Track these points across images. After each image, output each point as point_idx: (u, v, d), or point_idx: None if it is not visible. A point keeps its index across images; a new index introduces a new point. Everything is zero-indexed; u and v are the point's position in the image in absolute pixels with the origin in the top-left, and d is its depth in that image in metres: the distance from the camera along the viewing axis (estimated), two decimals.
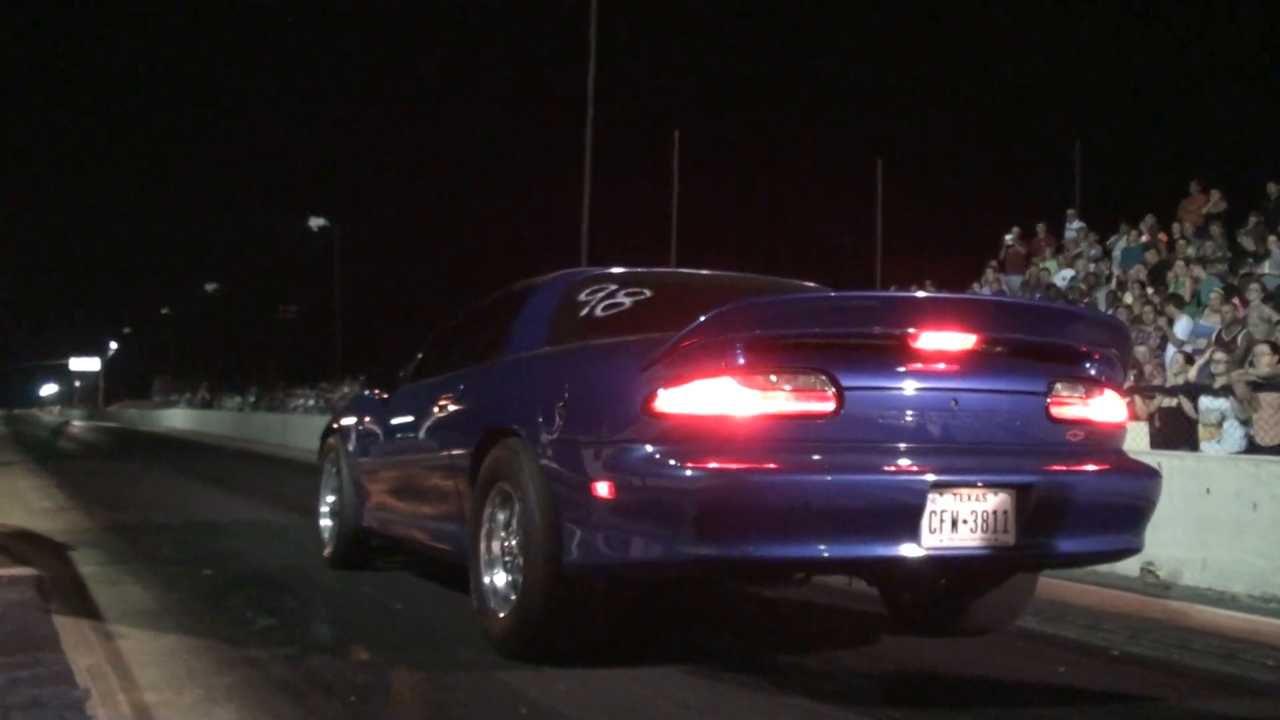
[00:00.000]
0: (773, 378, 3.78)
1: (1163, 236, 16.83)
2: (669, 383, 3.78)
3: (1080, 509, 4.10)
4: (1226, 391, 9.83)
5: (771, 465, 3.71)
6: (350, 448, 6.70)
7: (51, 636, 4.59)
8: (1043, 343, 4.24)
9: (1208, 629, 5.62)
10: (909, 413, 3.93)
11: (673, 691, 3.99)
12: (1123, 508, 4.24)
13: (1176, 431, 10.09)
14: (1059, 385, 4.19)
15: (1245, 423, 9.65)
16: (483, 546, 4.60)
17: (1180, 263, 14.67)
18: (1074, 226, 18.99)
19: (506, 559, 4.49)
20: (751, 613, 5.80)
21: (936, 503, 3.82)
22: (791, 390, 3.79)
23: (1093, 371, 4.29)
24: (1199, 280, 13.80)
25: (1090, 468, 4.21)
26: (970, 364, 4.05)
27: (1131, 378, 11.16)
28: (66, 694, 3.72)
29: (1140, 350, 11.79)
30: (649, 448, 3.79)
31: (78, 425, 55.51)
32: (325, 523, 6.98)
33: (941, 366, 3.99)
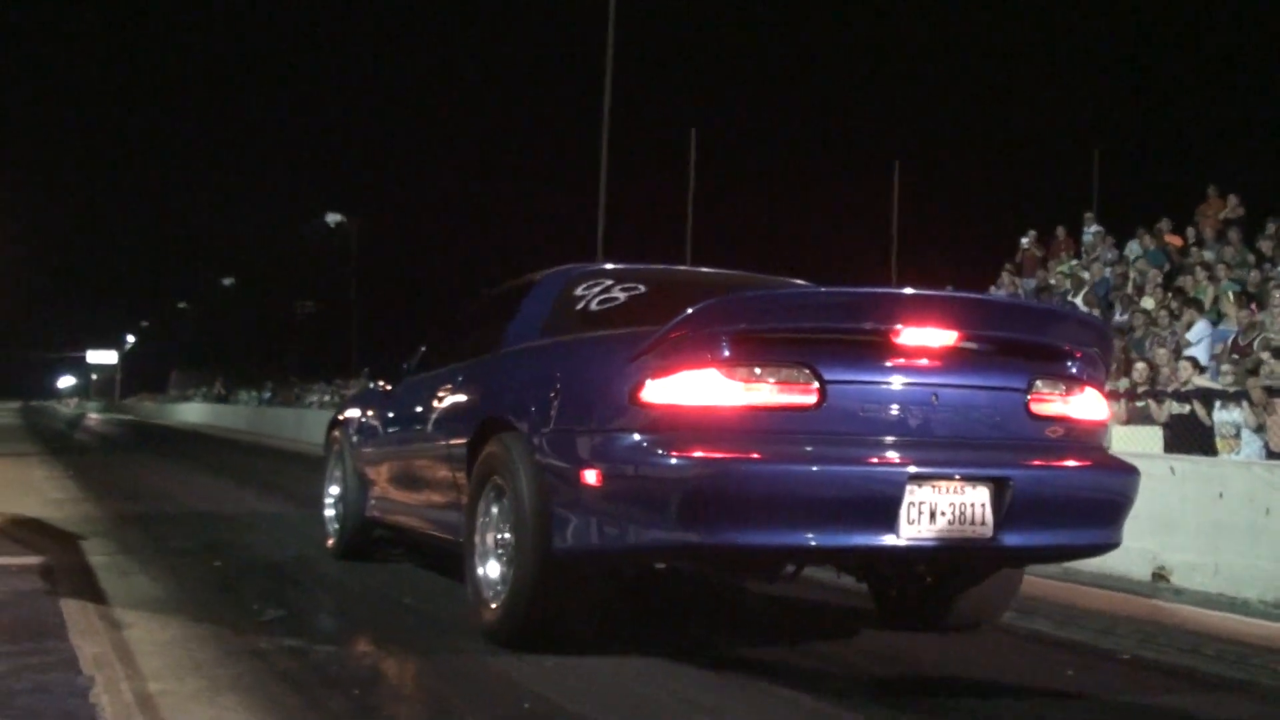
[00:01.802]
0: (757, 370, 3.86)
1: (1177, 241, 16.76)
2: (656, 374, 3.86)
3: (1057, 503, 4.19)
4: (1239, 397, 9.77)
5: (755, 455, 3.78)
6: (354, 439, 6.78)
7: (59, 624, 4.60)
8: (1023, 340, 4.33)
9: (1219, 634, 5.58)
10: (889, 406, 4.01)
11: (678, 689, 3.97)
12: (1100, 503, 4.31)
13: (1189, 438, 10.03)
14: (1039, 382, 4.27)
15: (1259, 430, 9.59)
16: (478, 538, 4.68)
17: (1198, 267, 14.60)
18: (1091, 230, 18.91)
19: (500, 550, 4.55)
20: (749, 609, 5.78)
21: (915, 494, 3.90)
22: (775, 383, 3.87)
23: (1074, 370, 4.36)
24: (1218, 284, 13.74)
25: (1069, 463, 4.28)
26: (951, 360, 4.13)
27: (1149, 382, 11.12)
28: (71, 681, 3.73)
29: (1160, 353, 11.74)
30: (636, 437, 3.88)
31: (94, 417, 55.71)
32: (329, 513, 7.04)
33: (923, 362, 4.07)
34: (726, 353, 3.83)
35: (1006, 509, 4.02)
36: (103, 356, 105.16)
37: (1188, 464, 6.99)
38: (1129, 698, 4.31)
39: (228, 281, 65.27)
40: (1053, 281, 17.43)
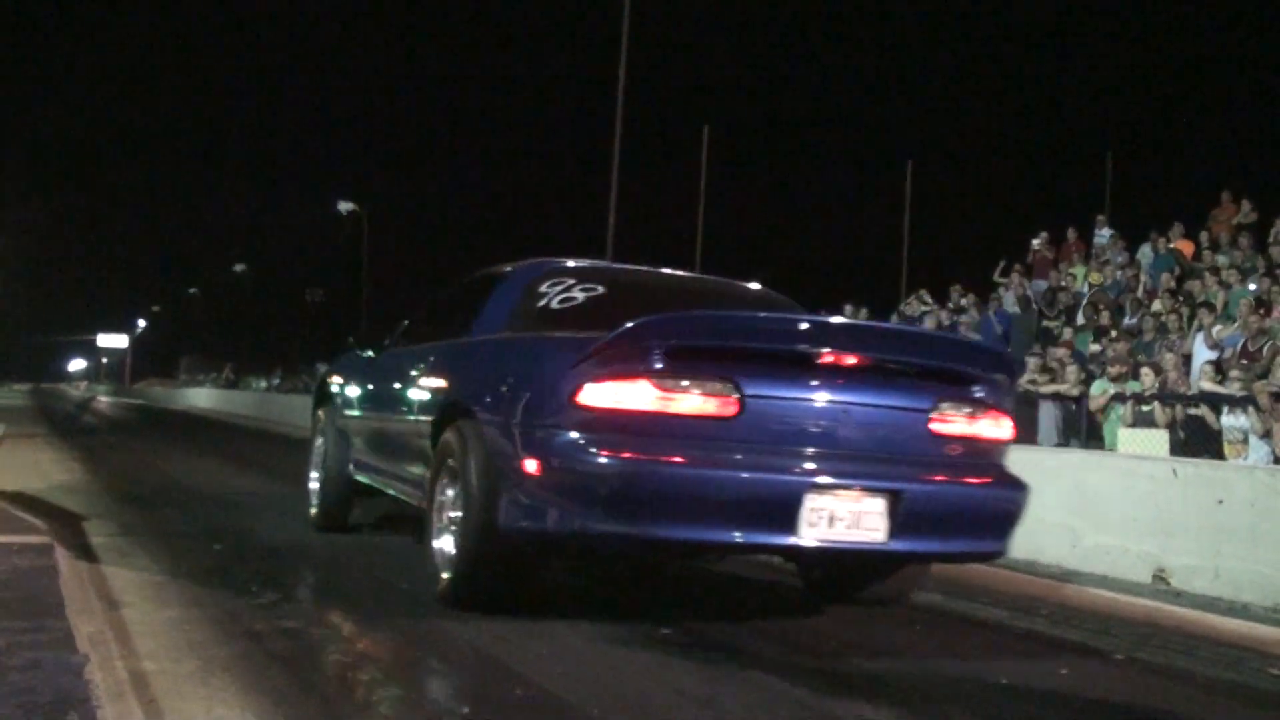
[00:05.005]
0: (684, 382, 4.28)
1: (1188, 246, 16.70)
2: (594, 379, 4.28)
3: (947, 515, 4.61)
4: (1246, 402, 9.75)
5: (677, 459, 4.20)
6: (338, 400, 7.39)
7: (57, 603, 4.61)
8: (929, 366, 4.74)
9: (1217, 637, 5.59)
10: (801, 420, 4.44)
11: (668, 677, 3.99)
12: (988, 515, 4.74)
13: (1201, 440, 10.02)
14: (943, 404, 4.68)
15: (1266, 435, 9.57)
16: (435, 515, 5.17)
17: (1207, 272, 14.56)
18: (1104, 233, 18.85)
19: (453, 527, 4.98)
20: (732, 595, 5.79)
21: (816, 501, 4.31)
22: (700, 394, 4.30)
23: (977, 394, 4.77)
24: (1229, 289, 13.70)
25: (962, 479, 4.70)
26: (860, 380, 4.54)
27: (1156, 385, 11.10)
28: (66, 659, 3.74)
29: (1168, 358, 11.72)
30: (572, 434, 4.30)
31: (103, 401, 55.84)
32: (314, 474, 7.56)
33: (835, 381, 4.48)
34: (658, 365, 4.25)
35: (900, 518, 4.41)
36: (113, 340, 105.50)
37: (1190, 467, 6.99)
38: (1122, 697, 4.31)
39: (239, 268, 65.39)
40: (1064, 283, 17.39)
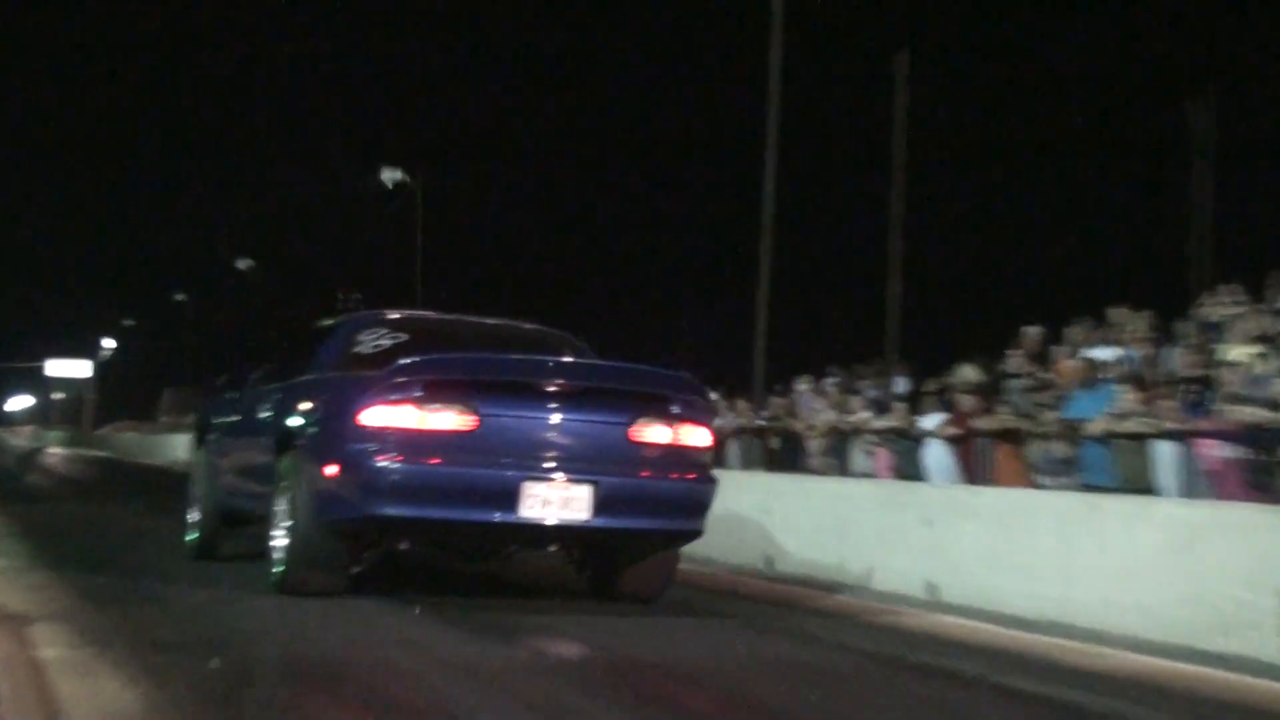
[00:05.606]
0: (436, 406, 8.29)
1: None
2: (373, 404, 8.29)
3: (641, 501, 8.68)
4: None
5: (434, 460, 8.30)
6: (211, 436, 11.81)
7: None
8: (628, 390, 8.87)
9: None
10: (524, 431, 8.51)
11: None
12: (679, 502, 8.89)
13: None
14: (640, 419, 8.71)
15: None
16: (273, 526, 9.08)
17: None
18: None
19: (284, 527, 8.86)
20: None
21: (533, 489, 8.37)
22: (448, 414, 8.31)
23: (675, 411, 8.82)
24: None
25: (661, 474, 8.74)
26: (572, 401, 8.54)
27: None
28: None
29: None
30: (358, 445, 8.31)
31: (55, 453, 56.90)
32: (193, 508, 11.66)
33: (552, 403, 8.54)
34: (418, 394, 8.24)
35: (600, 502, 8.41)
36: (68, 368, 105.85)
37: None
38: None
39: (244, 264, 65.63)
40: None
